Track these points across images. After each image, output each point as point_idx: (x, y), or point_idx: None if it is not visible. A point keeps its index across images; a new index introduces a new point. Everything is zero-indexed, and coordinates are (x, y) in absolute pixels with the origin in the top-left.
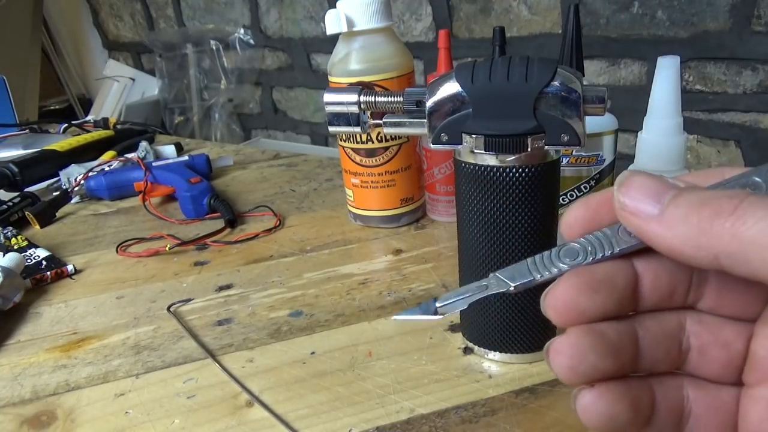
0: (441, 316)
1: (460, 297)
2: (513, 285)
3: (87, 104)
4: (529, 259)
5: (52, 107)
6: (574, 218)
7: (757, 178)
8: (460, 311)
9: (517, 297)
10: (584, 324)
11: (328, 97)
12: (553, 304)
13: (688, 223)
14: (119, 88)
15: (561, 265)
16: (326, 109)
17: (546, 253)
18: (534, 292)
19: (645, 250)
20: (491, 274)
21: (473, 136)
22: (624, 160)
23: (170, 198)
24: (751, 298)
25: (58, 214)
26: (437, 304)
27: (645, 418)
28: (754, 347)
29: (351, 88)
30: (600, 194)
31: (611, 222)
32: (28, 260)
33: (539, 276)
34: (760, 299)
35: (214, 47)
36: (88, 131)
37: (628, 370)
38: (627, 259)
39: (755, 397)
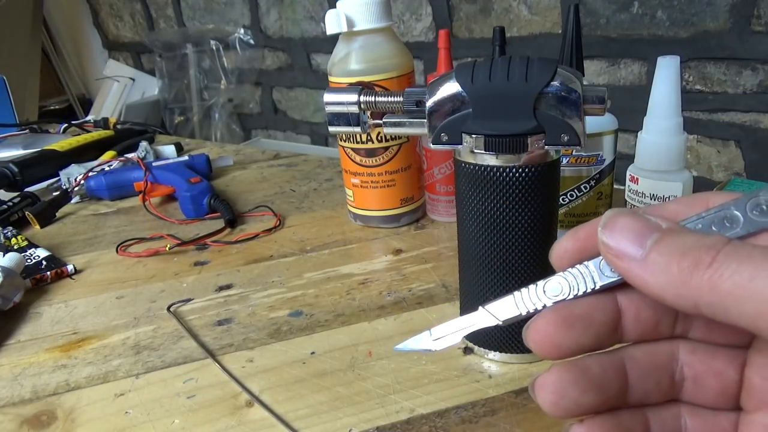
0: (437, 349)
1: (454, 332)
2: (501, 320)
3: (87, 104)
4: (516, 293)
5: (52, 107)
6: (564, 250)
7: (735, 211)
8: (460, 310)
9: None
10: (565, 357)
11: (328, 97)
12: (532, 338)
13: (669, 272)
14: (119, 88)
15: (545, 299)
16: (326, 109)
17: (532, 287)
18: None
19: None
20: (480, 308)
21: (473, 136)
22: (624, 160)
23: (170, 198)
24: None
25: (58, 214)
26: (433, 337)
27: None
28: (749, 374)
29: (351, 88)
30: (588, 226)
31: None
32: (28, 260)
33: (525, 312)
34: None
35: (214, 47)
36: (88, 131)
37: (615, 403)
38: (610, 293)
39: (753, 423)
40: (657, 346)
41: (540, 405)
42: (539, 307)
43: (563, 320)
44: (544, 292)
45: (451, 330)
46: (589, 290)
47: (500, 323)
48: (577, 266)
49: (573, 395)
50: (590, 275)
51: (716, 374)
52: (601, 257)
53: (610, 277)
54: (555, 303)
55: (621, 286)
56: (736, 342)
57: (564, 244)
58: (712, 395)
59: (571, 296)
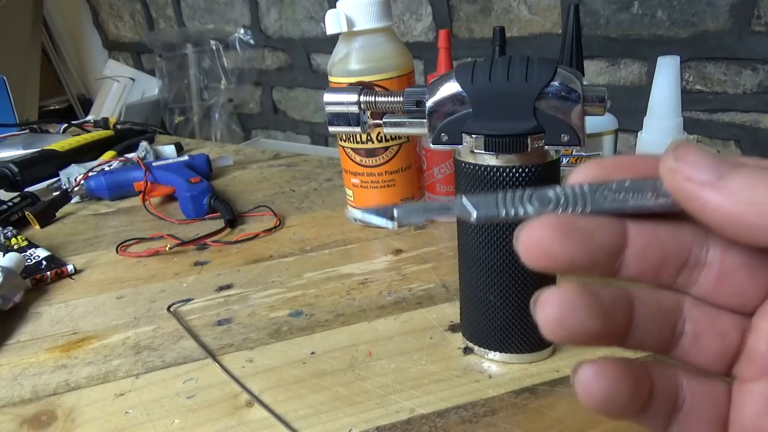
0: (395, 223)
1: (420, 211)
2: (475, 214)
3: (87, 104)
4: (500, 193)
5: (52, 107)
6: (584, 176)
7: None
8: (460, 310)
9: (517, 297)
10: (554, 269)
11: (328, 97)
12: (523, 239)
13: (752, 190)
14: (119, 88)
15: (528, 207)
16: (326, 109)
17: (519, 191)
18: (535, 292)
19: (641, 217)
20: (458, 196)
21: (473, 136)
22: None
23: (170, 198)
24: (751, 290)
25: (58, 214)
26: (395, 212)
27: (642, 403)
28: (753, 341)
29: (351, 88)
30: (614, 158)
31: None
32: (28, 260)
33: (504, 212)
34: (760, 293)
35: (214, 47)
36: (88, 131)
37: (616, 338)
38: (621, 219)
39: (752, 392)
40: (663, 293)
41: (540, 323)
42: (521, 213)
43: (562, 227)
44: (531, 199)
45: (419, 209)
46: (578, 211)
47: (473, 218)
48: (573, 186)
49: (580, 316)
50: (582, 198)
51: (720, 334)
52: (599, 185)
53: (601, 207)
54: (538, 212)
55: (634, 216)
56: (741, 307)
57: (586, 171)
58: (709, 356)
59: (558, 210)
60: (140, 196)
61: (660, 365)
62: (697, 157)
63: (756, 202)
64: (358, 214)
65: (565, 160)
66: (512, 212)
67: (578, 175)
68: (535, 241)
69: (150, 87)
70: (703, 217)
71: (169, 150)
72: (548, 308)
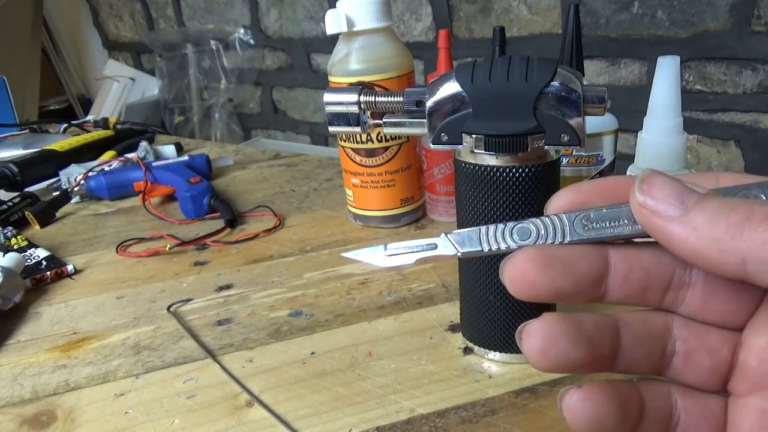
0: (386, 265)
1: (409, 250)
2: (461, 251)
3: (87, 104)
4: (482, 228)
5: (52, 107)
6: (563, 202)
7: (761, 194)
8: (460, 310)
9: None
10: (539, 299)
11: (328, 97)
12: (507, 273)
13: (715, 226)
14: (119, 88)
15: (510, 241)
16: (326, 109)
17: (500, 225)
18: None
19: (622, 242)
20: (442, 234)
21: (473, 136)
22: (624, 160)
23: (170, 198)
24: (737, 306)
25: (58, 214)
26: (386, 253)
27: (633, 422)
28: (744, 356)
29: (351, 88)
30: (593, 183)
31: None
32: (28, 260)
33: (488, 248)
34: (745, 308)
35: (214, 47)
36: (88, 131)
37: (603, 365)
38: (602, 246)
39: (747, 407)
40: (651, 314)
41: (526, 354)
42: (503, 248)
43: (542, 258)
44: (512, 234)
45: (407, 249)
46: (557, 242)
47: (459, 255)
48: (551, 216)
49: (563, 346)
50: (561, 228)
51: (710, 351)
52: (576, 214)
53: (580, 236)
54: (519, 246)
55: (614, 243)
56: (729, 323)
57: (565, 197)
58: (702, 374)
59: (539, 242)
60: (140, 196)
61: (652, 384)
62: (662, 190)
63: (717, 239)
64: (349, 254)
65: (565, 160)
66: (495, 247)
67: (558, 201)
68: (519, 273)
69: (150, 87)
70: (672, 250)
71: (169, 150)
72: (532, 340)
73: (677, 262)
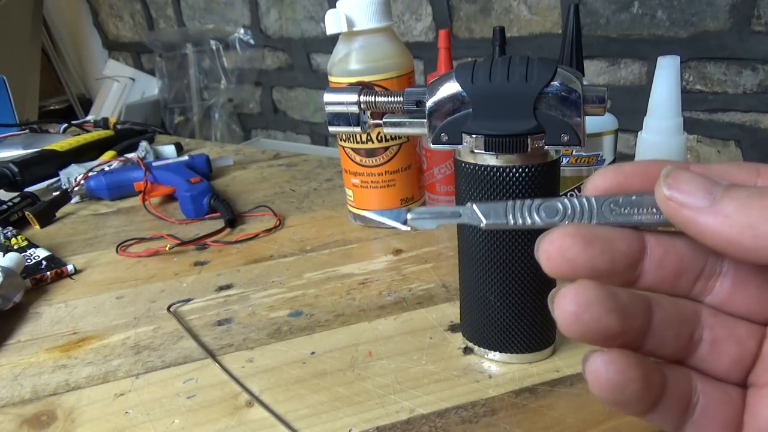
0: (408, 228)
1: (433, 217)
2: (485, 222)
3: (87, 104)
4: (509, 202)
5: (52, 107)
6: (602, 181)
7: None
8: (460, 310)
9: (517, 297)
10: (574, 277)
11: (328, 97)
12: (545, 248)
13: (747, 213)
14: (119, 88)
15: (536, 217)
16: (326, 109)
17: (527, 201)
18: (535, 293)
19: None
20: (468, 203)
21: (473, 136)
22: (624, 160)
23: (170, 198)
24: (766, 299)
25: (58, 214)
26: (408, 216)
27: (654, 398)
28: None
29: (351, 88)
30: (634, 164)
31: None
32: (28, 260)
33: (512, 221)
34: None
35: (214, 47)
36: (88, 131)
37: (633, 339)
38: (640, 230)
39: None
40: (681, 300)
41: (557, 317)
42: (528, 223)
43: (583, 236)
44: (539, 210)
45: (431, 215)
46: (584, 223)
47: (483, 225)
48: (581, 197)
49: (597, 311)
50: (590, 210)
51: (737, 341)
52: (606, 197)
53: (607, 219)
54: (545, 223)
55: (652, 229)
56: (755, 314)
57: (606, 176)
58: (726, 363)
59: (565, 222)
60: (140, 196)
61: (674, 366)
62: (688, 183)
63: (751, 225)
64: (370, 215)
65: (565, 160)
66: (520, 221)
67: (598, 180)
68: (557, 249)
69: (150, 87)
70: (704, 241)
71: (169, 150)
72: (565, 302)
73: (710, 251)
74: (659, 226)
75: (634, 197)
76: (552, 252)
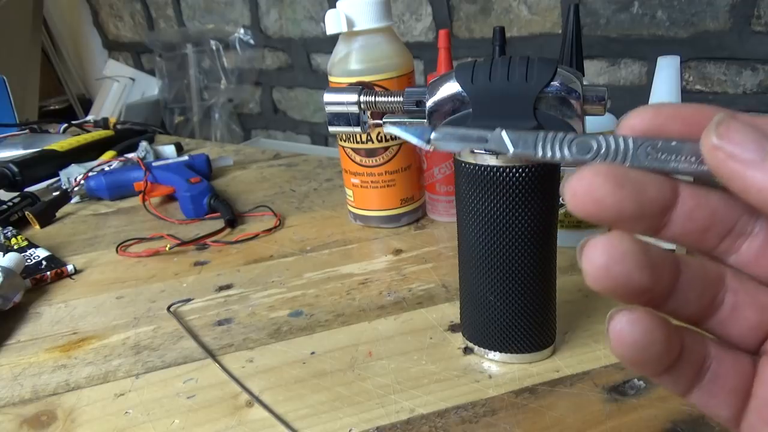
0: (430, 148)
1: (458, 139)
2: (512, 151)
3: (87, 104)
4: (541, 133)
5: (52, 107)
6: (639, 121)
7: None
8: (460, 310)
9: (517, 297)
10: (600, 218)
11: (328, 97)
12: (573, 186)
13: None
14: (119, 88)
15: (566, 151)
16: (326, 109)
17: (560, 134)
18: (535, 293)
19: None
20: (498, 129)
21: None
22: None
23: (170, 198)
24: None
25: (58, 214)
26: (432, 135)
27: (671, 360)
28: None
29: (351, 88)
30: (675, 107)
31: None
32: (28, 260)
33: (541, 153)
34: None
35: (214, 47)
36: (88, 131)
37: (658, 296)
38: (674, 178)
39: None
40: (708, 262)
41: (586, 269)
42: (557, 156)
43: (615, 177)
44: (570, 145)
45: (457, 137)
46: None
47: (510, 153)
48: (617, 136)
49: (628, 265)
50: (624, 151)
51: (758, 308)
52: (645, 139)
53: (642, 163)
54: (576, 161)
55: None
56: None
57: (643, 116)
58: (743, 328)
59: (596, 161)
60: (140, 196)
61: (690, 330)
62: (741, 134)
63: None
64: (393, 129)
65: None
66: (549, 154)
67: (634, 119)
68: (586, 187)
69: (150, 87)
70: (746, 196)
71: (169, 150)
72: (596, 254)
73: (744, 209)
74: (695, 176)
75: (674, 143)
76: (579, 191)
